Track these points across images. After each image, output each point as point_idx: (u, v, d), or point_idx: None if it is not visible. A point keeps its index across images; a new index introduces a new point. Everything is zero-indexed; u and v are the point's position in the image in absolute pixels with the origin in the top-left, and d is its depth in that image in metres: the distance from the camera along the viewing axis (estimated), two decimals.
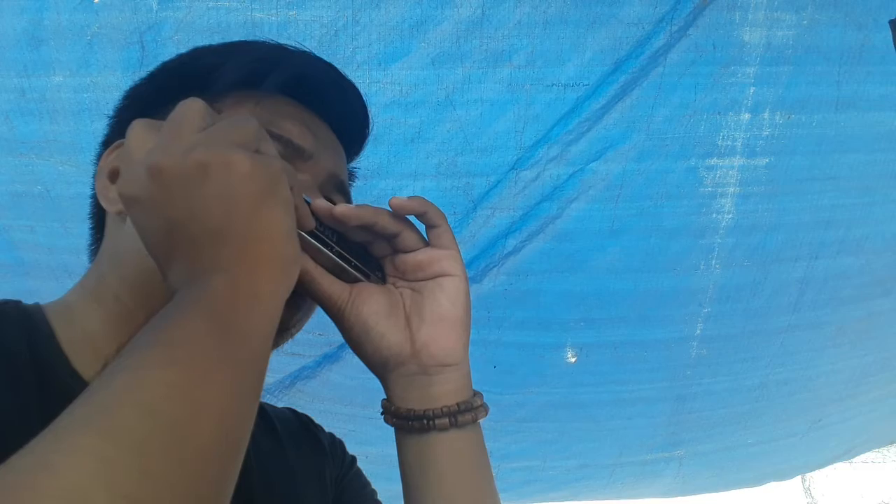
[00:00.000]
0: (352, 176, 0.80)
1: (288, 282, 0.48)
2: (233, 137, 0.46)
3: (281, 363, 1.41)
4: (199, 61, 0.67)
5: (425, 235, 0.65)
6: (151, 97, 0.66)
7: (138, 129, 0.48)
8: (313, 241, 0.59)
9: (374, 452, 1.46)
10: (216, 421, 0.37)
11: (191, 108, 0.48)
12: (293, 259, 0.49)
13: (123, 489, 0.31)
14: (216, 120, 0.49)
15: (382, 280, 0.66)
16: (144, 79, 0.68)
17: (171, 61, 0.69)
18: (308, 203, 0.58)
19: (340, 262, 0.61)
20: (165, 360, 0.37)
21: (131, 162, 0.47)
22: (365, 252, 0.65)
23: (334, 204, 0.60)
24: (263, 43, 0.70)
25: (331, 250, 0.60)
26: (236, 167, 0.44)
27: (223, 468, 0.37)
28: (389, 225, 0.62)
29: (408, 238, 0.63)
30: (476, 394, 0.65)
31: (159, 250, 0.47)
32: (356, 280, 0.63)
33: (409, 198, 0.62)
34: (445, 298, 0.64)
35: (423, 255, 0.64)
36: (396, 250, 0.64)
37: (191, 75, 0.65)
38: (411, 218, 0.64)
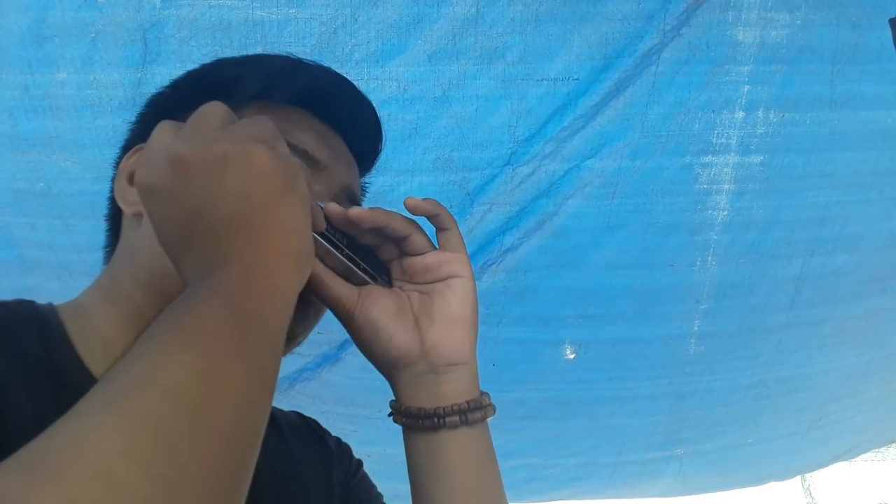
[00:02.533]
0: (364, 190, 0.81)
1: (301, 276, 0.49)
2: (252, 134, 0.48)
3: (282, 363, 1.41)
4: (220, 71, 0.69)
5: (432, 238, 0.66)
6: (173, 104, 0.67)
7: (164, 128, 0.49)
8: (324, 242, 0.60)
9: (376, 452, 1.47)
10: (235, 405, 0.37)
11: (213, 109, 0.49)
12: (307, 254, 0.50)
13: (150, 468, 0.31)
14: (236, 120, 0.50)
15: (389, 283, 0.67)
16: (168, 86, 0.70)
17: (195, 70, 0.71)
18: (321, 207, 0.60)
19: (349, 264, 0.62)
20: (185, 344, 0.37)
21: (153, 153, 0.48)
22: (372, 256, 0.66)
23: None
24: (283, 56, 0.72)
25: (341, 253, 0.61)
26: (256, 160, 0.46)
27: (243, 452, 0.37)
28: (401, 227, 0.63)
29: (417, 241, 0.64)
30: (484, 393, 0.66)
31: (174, 240, 0.48)
32: (363, 282, 0.64)
33: (424, 199, 0.63)
34: (454, 298, 0.64)
35: (431, 258, 0.65)
36: (404, 253, 0.65)
37: (212, 85, 0.67)
38: (420, 220, 0.65)
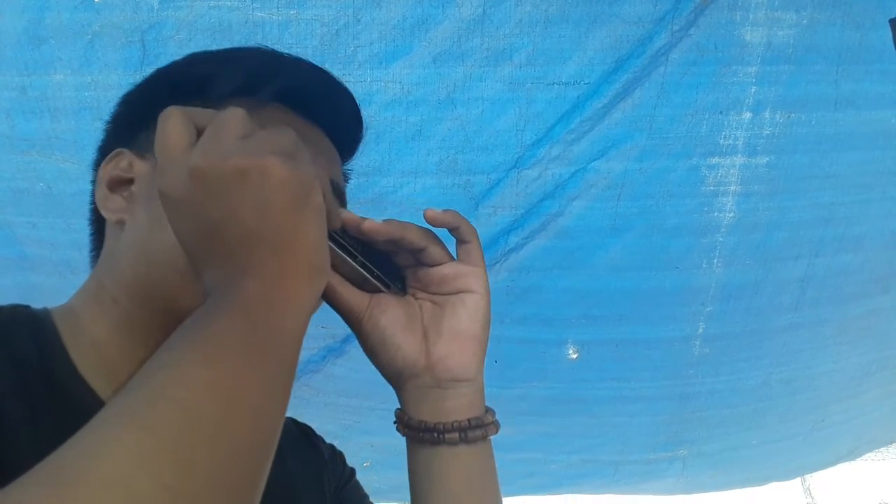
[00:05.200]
0: (346, 177, 0.80)
1: (317, 289, 0.49)
2: (271, 145, 0.47)
3: None
4: (193, 69, 0.68)
5: (450, 249, 0.66)
6: (144, 103, 0.66)
7: (176, 122, 0.48)
8: (337, 249, 0.59)
9: (379, 443, 1.48)
10: (249, 418, 0.38)
11: (233, 116, 0.49)
12: (323, 267, 0.50)
13: (165, 480, 0.32)
14: (256, 129, 0.50)
15: (403, 291, 0.66)
16: (139, 85, 0.68)
17: (166, 68, 0.69)
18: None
19: (363, 271, 0.62)
20: (201, 358, 0.38)
21: (172, 161, 0.47)
22: (387, 261, 0.66)
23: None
24: (257, 50, 0.70)
25: (354, 259, 0.61)
26: (272, 174, 0.45)
27: (256, 463, 0.38)
28: (416, 239, 0.62)
29: (434, 252, 0.64)
30: (488, 410, 0.66)
31: (197, 251, 0.48)
32: (376, 290, 0.64)
33: (444, 211, 0.63)
34: (465, 314, 0.64)
35: (448, 269, 0.65)
36: (421, 263, 0.65)
37: (185, 83, 0.65)
38: (440, 231, 0.65)
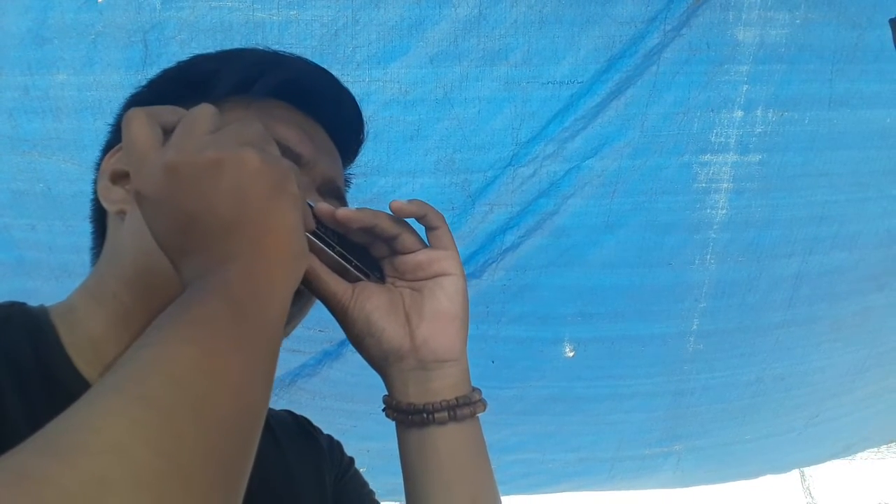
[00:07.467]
0: (348, 181, 0.81)
1: (296, 274, 0.50)
2: (242, 137, 0.48)
3: (281, 360, 1.41)
4: (197, 67, 0.69)
5: (423, 237, 0.67)
6: (151, 103, 0.67)
7: (141, 123, 0.49)
8: (316, 241, 0.61)
9: (375, 447, 1.48)
10: (235, 395, 0.39)
11: (201, 113, 0.50)
12: (301, 252, 0.51)
13: (161, 447, 0.33)
14: (225, 124, 0.51)
15: (381, 280, 0.68)
16: (145, 85, 0.70)
17: (171, 68, 0.70)
18: (311, 206, 0.61)
19: (342, 261, 0.64)
20: (186, 338, 0.39)
21: (144, 160, 0.48)
22: (364, 253, 0.67)
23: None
24: (260, 49, 0.72)
25: (333, 250, 0.63)
26: (247, 163, 0.46)
27: (243, 440, 0.39)
28: (389, 227, 0.64)
29: (406, 240, 0.65)
30: (475, 389, 0.67)
31: (173, 246, 0.49)
32: (357, 279, 0.66)
33: (409, 201, 0.64)
34: (444, 296, 0.66)
35: (422, 255, 0.66)
36: (395, 251, 0.66)
37: (189, 81, 0.67)
38: (411, 220, 0.66)
